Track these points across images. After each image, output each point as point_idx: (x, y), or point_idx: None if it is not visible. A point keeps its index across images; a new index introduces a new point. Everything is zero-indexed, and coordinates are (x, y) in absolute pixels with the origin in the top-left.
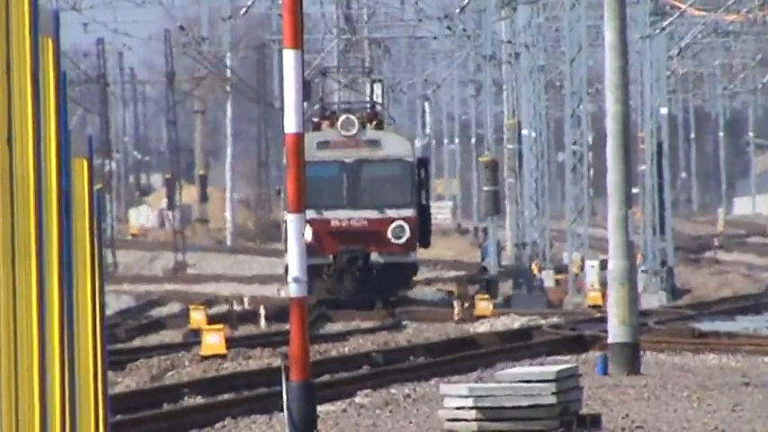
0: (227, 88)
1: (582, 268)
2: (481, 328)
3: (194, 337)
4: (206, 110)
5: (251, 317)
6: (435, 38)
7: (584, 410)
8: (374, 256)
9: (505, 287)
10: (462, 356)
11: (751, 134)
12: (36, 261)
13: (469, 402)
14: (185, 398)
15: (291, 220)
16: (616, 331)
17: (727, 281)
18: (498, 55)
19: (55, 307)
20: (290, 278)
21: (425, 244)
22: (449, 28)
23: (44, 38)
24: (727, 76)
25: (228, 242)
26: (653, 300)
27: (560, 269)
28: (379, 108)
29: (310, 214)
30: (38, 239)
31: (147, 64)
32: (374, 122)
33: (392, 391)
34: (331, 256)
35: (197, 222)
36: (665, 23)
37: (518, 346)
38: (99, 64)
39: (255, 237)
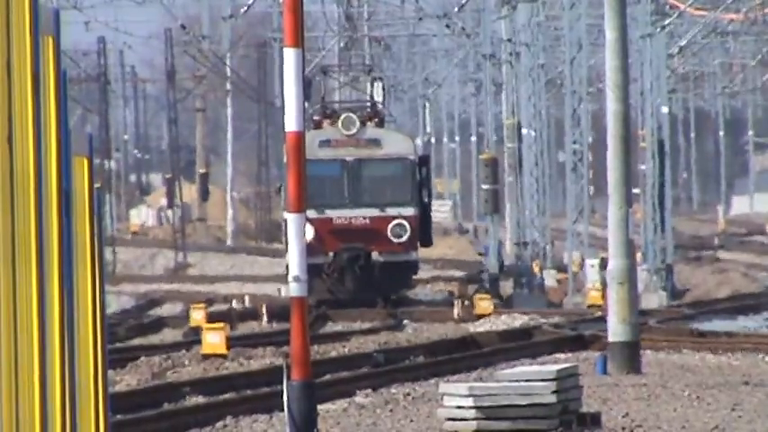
0: (228, 87)
1: (582, 267)
2: (481, 327)
3: (195, 337)
4: (206, 108)
5: (251, 316)
6: (434, 36)
7: (584, 409)
8: (375, 255)
9: (506, 286)
10: (462, 356)
11: (750, 133)
12: (36, 260)
13: (469, 401)
14: (186, 397)
15: (292, 219)
16: (616, 330)
17: (727, 280)
18: (498, 54)
19: (55, 306)
20: (290, 277)
21: (427, 243)
22: (448, 26)
23: (44, 36)
24: (727, 75)
25: (229, 241)
26: (653, 299)
27: (561, 268)
28: (379, 106)
29: (311, 213)
30: (38, 238)
31: (148, 62)
32: (374, 121)
33: (392, 390)
34: (331, 255)
35: (197, 221)
36: (665, 23)
37: (518, 345)
38: (100, 63)
39: (256, 236)
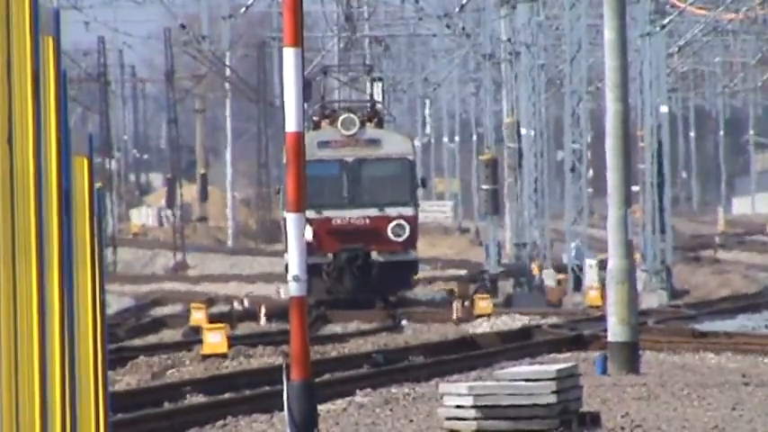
0: (227, 86)
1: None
2: (481, 327)
3: (195, 337)
4: (206, 108)
5: (251, 316)
6: (434, 35)
7: (583, 409)
8: (374, 255)
9: (506, 286)
10: (462, 356)
11: (751, 132)
12: (36, 260)
13: (469, 401)
14: (186, 396)
15: (291, 218)
16: (615, 330)
17: (727, 280)
18: (498, 53)
19: (55, 306)
20: (290, 277)
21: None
22: (448, 26)
23: (44, 36)
24: (727, 74)
25: (229, 242)
26: (652, 299)
27: (561, 268)
28: (379, 107)
29: (310, 213)
30: (38, 238)
31: (148, 62)
32: (374, 121)
33: (392, 390)
34: (330, 255)
35: (197, 221)
36: (664, 22)
37: (518, 345)
38: (99, 62)
39: (256, 237)
